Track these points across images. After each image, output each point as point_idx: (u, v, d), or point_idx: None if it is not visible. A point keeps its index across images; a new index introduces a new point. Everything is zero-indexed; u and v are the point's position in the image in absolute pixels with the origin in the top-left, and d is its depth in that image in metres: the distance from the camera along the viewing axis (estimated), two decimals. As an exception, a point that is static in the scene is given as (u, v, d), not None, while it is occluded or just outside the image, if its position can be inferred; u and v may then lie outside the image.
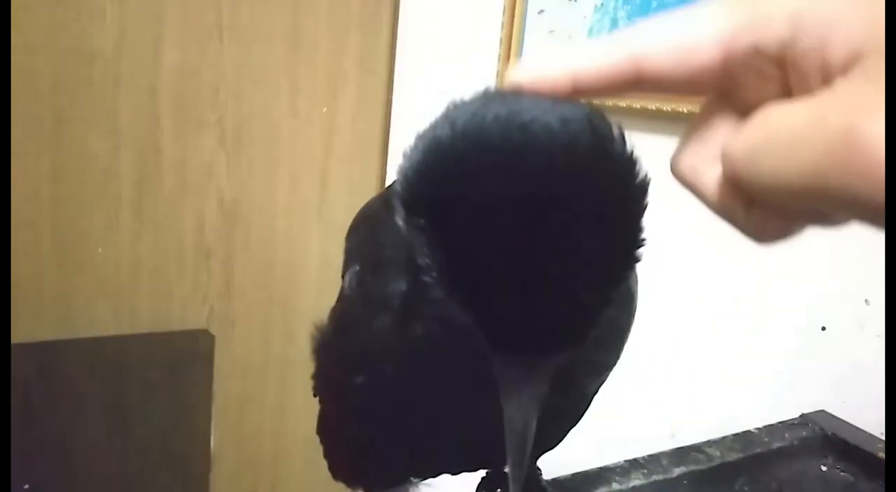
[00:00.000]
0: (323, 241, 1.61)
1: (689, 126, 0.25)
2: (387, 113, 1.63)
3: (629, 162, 0.24)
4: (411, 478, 0.47)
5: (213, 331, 1.55)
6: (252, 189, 1.52)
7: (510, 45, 1.12)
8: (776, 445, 0.57)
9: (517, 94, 0.25)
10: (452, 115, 0.25)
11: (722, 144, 0.22)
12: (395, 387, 0.38)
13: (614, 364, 0.41)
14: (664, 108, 0.84)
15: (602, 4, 0.93)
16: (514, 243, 0.23)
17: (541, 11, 1.06)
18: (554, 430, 0.45)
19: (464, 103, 0.26)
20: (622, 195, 0.24)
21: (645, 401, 0.86)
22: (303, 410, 1.67)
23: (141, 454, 1.50)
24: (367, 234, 0.43)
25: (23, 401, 1.38)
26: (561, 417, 0.43)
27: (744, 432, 0.58)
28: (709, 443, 0.56)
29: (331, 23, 1.52)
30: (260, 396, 1.64)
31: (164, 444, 1.53)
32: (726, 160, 0.22)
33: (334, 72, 1.56)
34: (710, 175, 0.24)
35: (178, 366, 1.53)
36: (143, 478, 1.51)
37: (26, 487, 1.41)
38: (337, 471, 0.49)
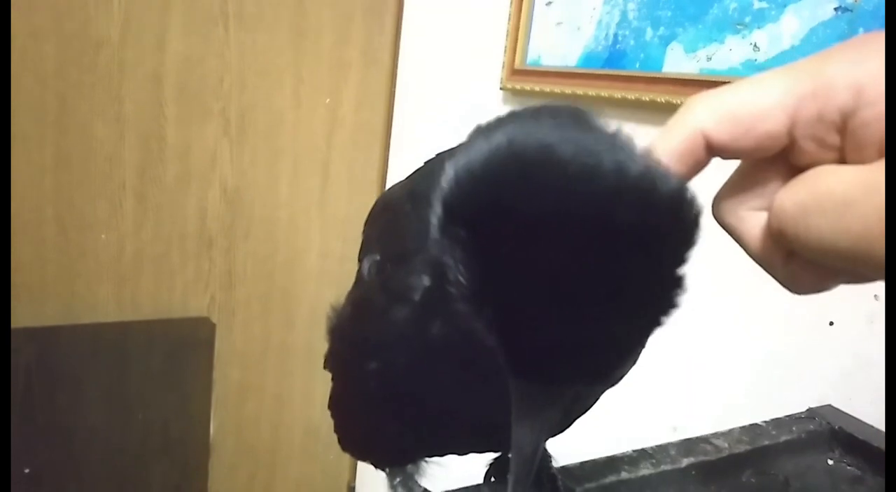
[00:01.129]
0: (323, 231, 1.60)
1: (736, 172, 0.26)
2: (389, 104, 1.62)
3: (689, 208, 0.23)
4: (419, 456, 0.47)
5: (214, 319, 1.54)
6: (255, 179, 1.51)
7: (517, 38, 1.10)
8: (783, 438, 0.56)
9: (591, 119, 0.24)
10: (530, 122, 0.24)
11: (770, 197, 0.23)
12: (406, 376, 0.37)
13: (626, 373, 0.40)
14: (658, 100, 0.83)
15: (611, -3, 0.92)
16: (556, 272, 0.22)
17: (549, 3, 1.05)
18: (562, 423, 0.44)
19: (544, 112, 0.25)
20: (676, 241, 0.23)
21: (648, 394, 0.86)
22: (301, 399, 1.67)
23: (141, 440, 1.49)
24: (388, 224, 0.42)
25: (24, 386, 1.37)
26: (570, 413, 0.43)
27: (751, 425, 0.58)
28: (716, 435, 0.56)
29: (335, 13, 1.51)
30: (259, 384, 1.63)
31: (164, 430, 1.52)
32: (774, 213, 0.22)
33: (338, 62, 1.54)
34: (754, 224, 0.24)
35: (178, 353, 1.52)
36: (142, 464, 1.50)
37: (27, 471, 1.40)
38: (346, 444, 0.48)
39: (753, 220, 0.24)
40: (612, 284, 0.22)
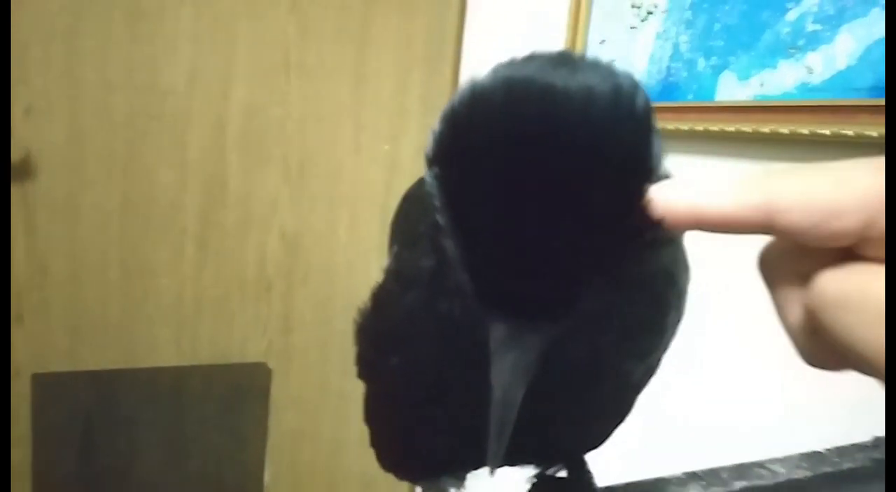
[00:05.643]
0: (381, 276, 1.66)
1: None
2: (447, 150, 1.69)
3: (637, 125, 0.24)
4: (454, 466, 0.46)
5: (271, 364, 1.60)
6: (313, 224, 1.59)
7: (571, 76, 1.16)
8: (846, 466, 0.56)
9: (565, 58, 0.26)
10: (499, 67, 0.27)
11: (821, 266, 0.22)
12: (425, 369, 0.38)
13: (657, 352, 0.40)
14: (712, 128, 0.86)
15: (664, 31, 0.97)
16: (504, 190, 0.24)
17: (602, 41, 1.11)
18: (595, 423, 0.44)
19: (525, 58, 0.28)
20: (622, 160, 0.23)
21: (710, 418, 0.85)
22: (358, 447, 1.69)
23: (196, 486, 1.55)
24: (405, 214, 0.45)
25: (84, 428, 1.46)
26: (600, 409, 0.42)
27: (812, 452, 0.58)
28: (773, 460, 0.56)
29: (395, 62, 1.61)
30: (315, 432, 1.67)
31: (219, 476, 1.57)
32: (814, 294, 0.22)
33: (397, 110, 1.63)
34: (794, 286, 0.24)
35: (235, 398, 1.59)
36: (196, 511, 1.56)
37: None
38: (382, 458, 0.49)
39: (796, 283, 0.24)
40: (553, 207, 0.23)
